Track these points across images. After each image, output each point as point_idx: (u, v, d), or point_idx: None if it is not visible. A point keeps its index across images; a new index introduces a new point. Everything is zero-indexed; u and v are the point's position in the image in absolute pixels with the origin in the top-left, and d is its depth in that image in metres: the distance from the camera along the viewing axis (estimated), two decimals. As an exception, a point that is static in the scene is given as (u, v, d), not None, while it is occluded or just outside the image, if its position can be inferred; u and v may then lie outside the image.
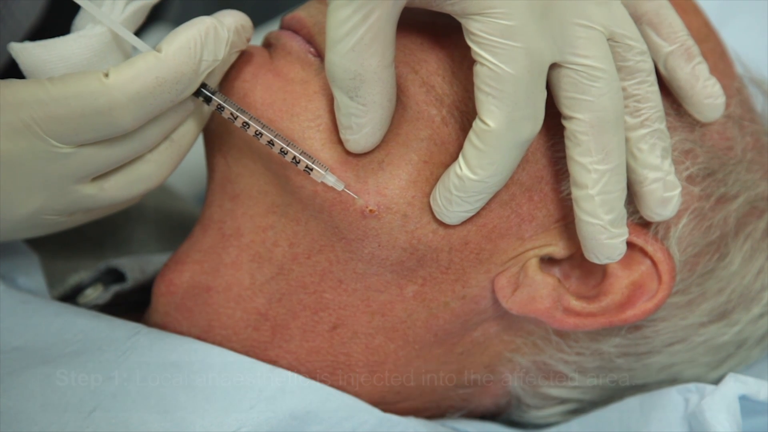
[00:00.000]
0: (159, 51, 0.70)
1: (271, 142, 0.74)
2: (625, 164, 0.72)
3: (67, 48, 0.72)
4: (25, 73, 0.72)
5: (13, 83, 0.69)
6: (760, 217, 0.83)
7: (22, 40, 0.73)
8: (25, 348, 0.78)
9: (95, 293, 0.88)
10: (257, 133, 0.74)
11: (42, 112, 0.68)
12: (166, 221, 1.04)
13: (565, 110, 0.71)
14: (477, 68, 0.69)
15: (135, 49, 0.73)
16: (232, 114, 0.74)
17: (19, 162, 0.70)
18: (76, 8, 0.73)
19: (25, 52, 0.72)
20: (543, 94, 0.70)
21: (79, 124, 0.69)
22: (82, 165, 0.71)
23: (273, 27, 1.16)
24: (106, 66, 0.72)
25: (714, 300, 0.82)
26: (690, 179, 0.79)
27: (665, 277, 0.77)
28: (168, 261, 0.82)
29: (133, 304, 0.88)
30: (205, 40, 0.71)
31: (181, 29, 0.71)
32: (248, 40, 0.75)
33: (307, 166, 0.74)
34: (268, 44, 0.79)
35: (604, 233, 0.72)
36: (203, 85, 0.73)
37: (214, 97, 0.73)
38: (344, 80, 0.69)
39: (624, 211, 0.73)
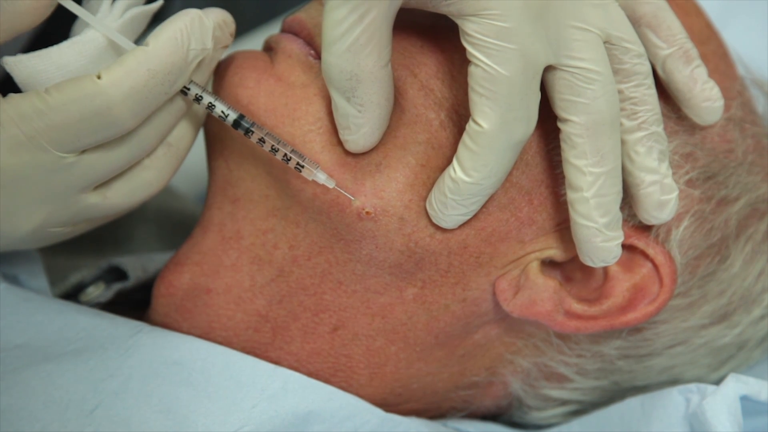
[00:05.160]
0: (147, 45, 0.70)
1: (261, 140, 0.74)
2: (620, 167, 0.72)
3: (62, 56, 0.71)
4: (20, 85, 0.72)
5: (12, 98, 0.69)
6: (761, 220, 0.82)
7: (19, 47, 0.72)
8: (27, 346, 0.78)
9: (97, 291, 0.88)
10: (248, 131, 0.74)
11: (42, 122, 0.68)
12: (167, 220, 1.04)
13: (561, 112, 0.71)
14: (471, 69, 0.69)
15: None
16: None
17: (23, 176, 0.70)
18: (73, 14, 0.72)
19: (20, 65, 0.71)
20: (537, 96, 0.70)
21: (80, 129, 0.69)
22: (85, 173, 0.71)
23: (273, 29, 1.16)
24: None
25: (715, 302, 0.82)
26: (690, 183, 0.78)
27: (666, 280, 0.77)
28: (168, 262, 0.82)
29: (135, 303, 0.88)
30: (191, 30, 0.71)
31: (166, 23, 0.71)
32: (232, 35, 0.75)
33: (297, 164, 0.74)
34: (268, 48, 0.79)
35: (599, 236, 0.72)
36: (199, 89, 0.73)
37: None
38: (340, 81, 0.70)
39: (619, 214, 0.73)
